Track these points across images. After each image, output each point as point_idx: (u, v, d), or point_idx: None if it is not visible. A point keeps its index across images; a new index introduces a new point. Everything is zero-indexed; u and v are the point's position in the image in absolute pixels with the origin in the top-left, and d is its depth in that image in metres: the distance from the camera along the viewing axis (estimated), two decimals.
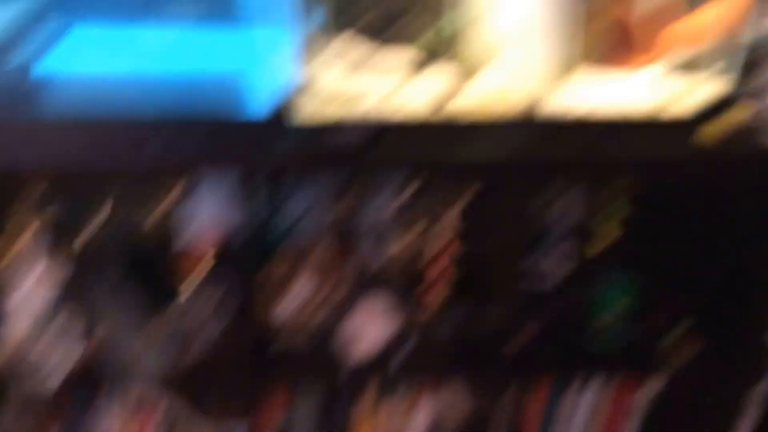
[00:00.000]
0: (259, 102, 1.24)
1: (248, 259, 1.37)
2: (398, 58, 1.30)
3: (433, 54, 1.30)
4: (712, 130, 1.27)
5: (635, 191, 1.44)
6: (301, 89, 1.23)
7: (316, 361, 1.44)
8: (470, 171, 1.29)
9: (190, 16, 1.34)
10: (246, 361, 1.43)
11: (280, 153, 1.22)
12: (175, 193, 1.33)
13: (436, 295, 1.45)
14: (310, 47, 1.27)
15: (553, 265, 1.45)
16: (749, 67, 1.33)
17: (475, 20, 1.31)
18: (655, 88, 1.30)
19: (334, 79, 1.28)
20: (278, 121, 1.23)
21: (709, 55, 1.30)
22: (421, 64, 1.31)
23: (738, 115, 1.27)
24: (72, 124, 1.19)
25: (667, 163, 1.30)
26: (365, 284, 1.43)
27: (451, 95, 1.28)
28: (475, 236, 1.42)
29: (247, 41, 1.33)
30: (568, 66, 1.26)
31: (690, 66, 1.31)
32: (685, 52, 1.31)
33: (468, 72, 1.29)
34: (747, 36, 1.27)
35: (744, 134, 1.30)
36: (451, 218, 1.44)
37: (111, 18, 1.33)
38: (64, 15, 1.31)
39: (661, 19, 1.32)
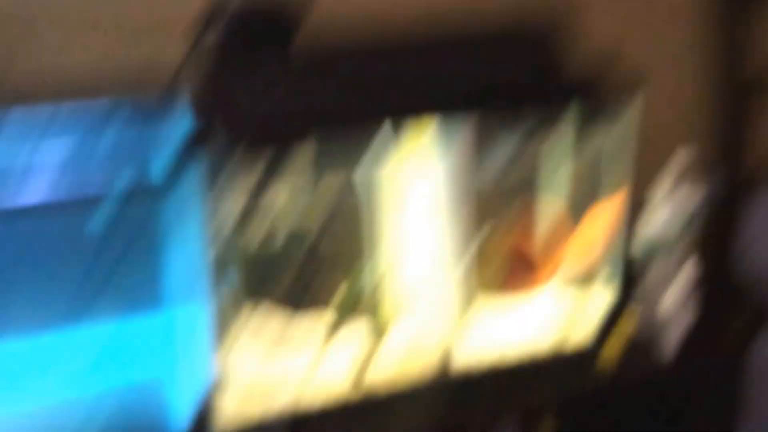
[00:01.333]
0: (180, 410, 1.24)
1: None
2: (312, 326, 1.31)
3: (346, 315, 1.34)
4: (610, 352, 1.34)
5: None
6: (220, 387, 1.23)
7: None
8: None
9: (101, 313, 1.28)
10: None
11: None
12: None
13: None
14: (225, 332, 1.25)
15: None
16: (633, 277, 1.46)
17: (383, 276, 1.38)
18: (553, 308, 1.39)
19: (251, 368, 1.29)
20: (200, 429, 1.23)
21: (596, 269, 1.41)
22: (336, 327, 1.34)
23: (629, 327, 1.37)
24: None
25: (576, 396, 1.37)
26: None
27: (367, 362, 1.32)
28: None
29: (164, 337, 1.31)
30: (470, 300, 1.32)
31: (580, 282, 1.42)
32: (575, 269, 1.41)
33: (381, 330, 1.33)
34: (624, 246, 1.37)
35: (638, 352, 1.41)
36: None
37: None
38: None
39: (552, 240, 1.42)
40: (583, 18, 1.48)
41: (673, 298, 1.39)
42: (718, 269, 1.75)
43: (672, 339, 1.41)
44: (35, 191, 1.19)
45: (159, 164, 1.26)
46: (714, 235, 1.77)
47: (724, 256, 1.75)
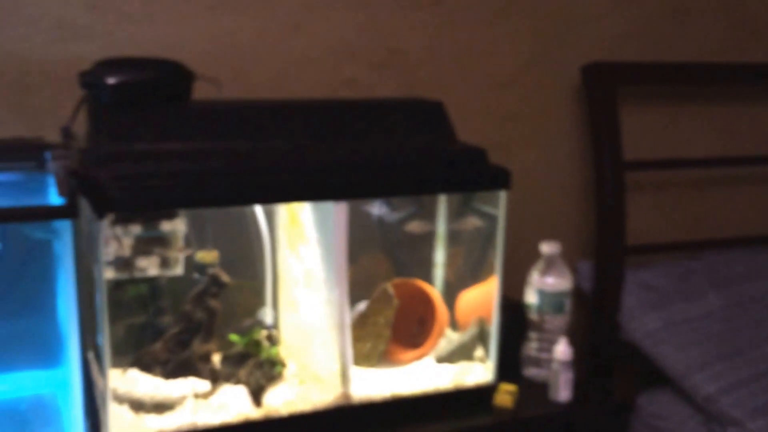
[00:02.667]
0: (72, 423, 1.24)
1: None
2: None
3: (243, 356, 1.37)
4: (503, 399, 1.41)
5: None
6: (111, 403, 1.21)
7: None
8: None
9: None
10: None
11: None
12: None
13: None
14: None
15: None
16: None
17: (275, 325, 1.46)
18: (430, 378, 1.42)
19: (145, 389, 1.28)
20: None
21: (468, 344, 1.47)
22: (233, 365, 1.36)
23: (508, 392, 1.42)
24: None
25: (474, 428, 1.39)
26: None
27: (264, 387, 1.34)
28: None
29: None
30: (348, 365, 1.34)
31: (454, 356, 1.46)
32: (448, 345, 1.47)
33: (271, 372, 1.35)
34: (499, 326, 1.42)
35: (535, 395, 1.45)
36: None
37: None
38: None
39: (429, 318, 1.48)
40: (462, 111, 1.54)
41: (562, 354, 1.42)
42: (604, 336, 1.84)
43: (565, 386, 1.43)
44: None
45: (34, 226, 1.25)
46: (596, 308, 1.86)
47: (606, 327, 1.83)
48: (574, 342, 1.47)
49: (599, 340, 1.86)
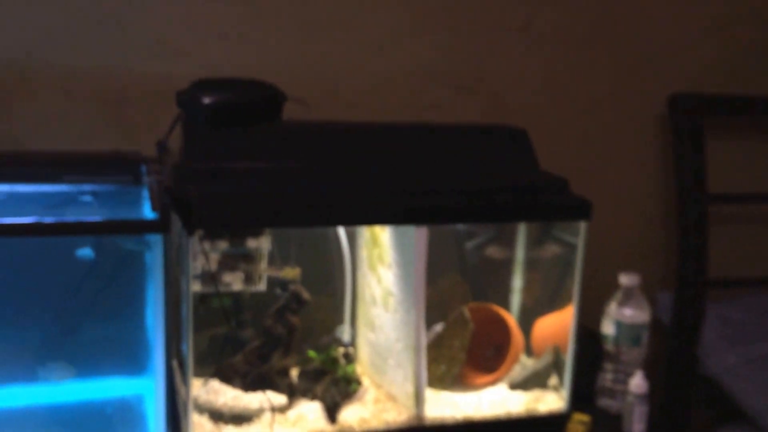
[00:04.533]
0: (155, 429, 1.28)
1: None
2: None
3: (320, 372, 1.40)
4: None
5: None
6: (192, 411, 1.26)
7: None
8: None
9: None
10: None
11: None
12: None
13: None
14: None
15: None
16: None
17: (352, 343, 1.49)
18: (502, 404, 1.42)
19: (225, 399, 1.33)
20: None
21: (543, 372, 1.46)
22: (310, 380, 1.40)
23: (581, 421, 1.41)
24: None
25: None
26: None
27: (340, 404, 1.36)
28: None
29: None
30: (423, 387, 1.35)
31: (527, 383, 1.46)
32: (522, 371, 1.47)
33: (346, 389, 1.39)
34: (574, 356, 1.41)
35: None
36: None
37: None
38: None
39: (505, 344, 1.48)
40: (544, 136, 1.54)
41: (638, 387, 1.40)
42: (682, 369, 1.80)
43: (640, 419, 1.41)
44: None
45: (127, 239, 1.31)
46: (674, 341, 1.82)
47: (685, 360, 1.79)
48: (650, 375, 1.45)
49: (677, 373, 1.82)
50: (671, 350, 1.83)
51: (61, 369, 1.38)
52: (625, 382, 1.45)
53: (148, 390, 1.36)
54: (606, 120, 1.86)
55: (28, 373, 1.37)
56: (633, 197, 1.91)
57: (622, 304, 1.48)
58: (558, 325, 1.46)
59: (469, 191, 1.33)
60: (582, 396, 1.46)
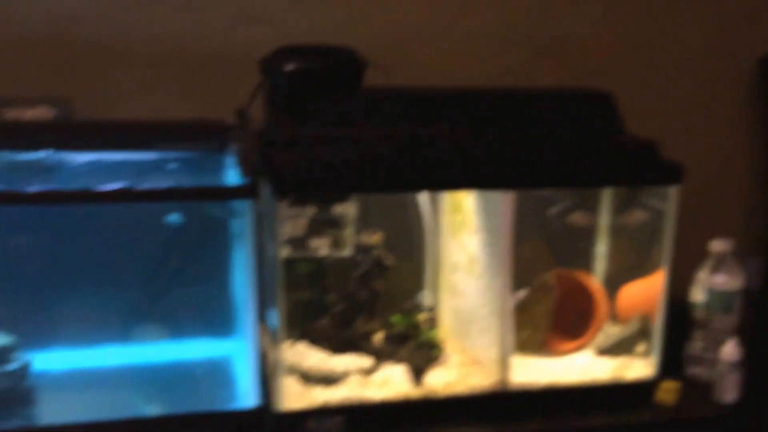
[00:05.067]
0: (245, 388, 1.31)
1: None
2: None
3: (404, 336, 1.40)
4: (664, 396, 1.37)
5: None
6: (284, 372, 1.28)
7: None
8: None
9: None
10: None
11: None
12: None
13: None
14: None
15: None
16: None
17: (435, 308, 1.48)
18: (587, 370, 1.40)
19: (313, 361, 1.35)
20: (264, 408, 1.28)
21: (630, 339, 1.43)
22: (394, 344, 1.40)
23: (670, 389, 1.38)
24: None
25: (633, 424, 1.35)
26: None
27: (425, 367, 1.37)
28: None
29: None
30: (508, 352, 1.34)
31: (614, 349, 1.43)
32: (607, 338, 1.44)
33: (430, 353, 1.39)
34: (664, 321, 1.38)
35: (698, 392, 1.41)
36: None
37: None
38: None
39: (591, 310, 1.46)
40: (630, 100, 1.51)
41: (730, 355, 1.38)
42: None
43: (732, 387, 1.39)
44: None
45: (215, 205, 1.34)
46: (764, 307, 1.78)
47: None
48: (743, 342, 1.41)
49: (765, 339, 1.78)
50: (760, 317, 1.78)
51: (154, 330, 1.43)
52: (715, 350, 1.42)
53: (236, 352, 1.40)
54: (695, 82, 1.80)
55: (123, 334, 1.42)
56: (724, 161, 1.85)
57: (714, 270, 1.45)
58: (645, 292, 1.43)
59: (554, 156, 1.31)
60: (670, 364, 1.43)
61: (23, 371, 1.30)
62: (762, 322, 1.78)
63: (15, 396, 1.29)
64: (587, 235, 1.53)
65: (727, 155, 1.85)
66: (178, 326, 1.45)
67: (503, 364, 1.34)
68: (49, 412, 1.28)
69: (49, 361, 1.38)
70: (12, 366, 1.29)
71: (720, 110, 1.83)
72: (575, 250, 1.54)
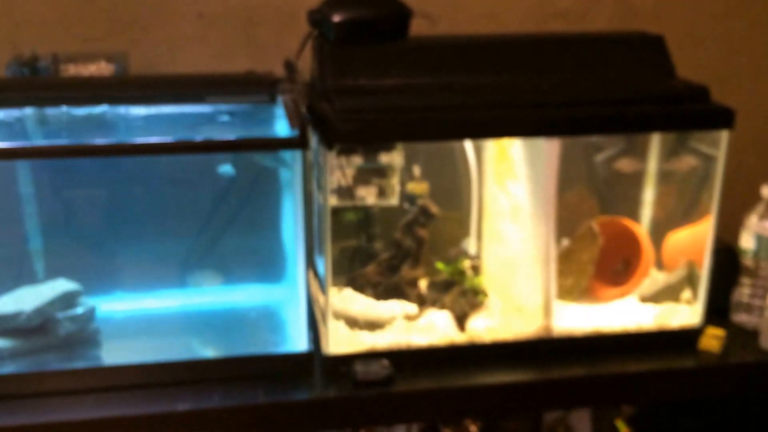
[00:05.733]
0: (295, 333, 1.35)
1: None
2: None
3: (448, 283, 1.43)
4: (708, 344, 1.37)
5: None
6: (330, 317, 1.32)
7: None
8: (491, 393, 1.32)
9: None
10: None
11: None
12: None
13: None
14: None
15: None
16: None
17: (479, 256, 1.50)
18: (631, 317, 1.41)
19: (359, 306, 1.39)
20: (314, 351, 1.32)
21: (675, 286, 1.42)
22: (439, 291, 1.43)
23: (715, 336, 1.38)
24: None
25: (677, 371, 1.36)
26: None
27: (468, 313, 1.39)
28: None
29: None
30: (551, 299, 1.36)
31: (659, 296, 1.43)
32: (653, 285, 1.44)
33: (474, 300, 1.41)
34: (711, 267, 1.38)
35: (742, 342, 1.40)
36: None
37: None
38: None
39: (637, 256, 1.46)
40: (682, 42, 1.48)
41: None
42: None
43: None
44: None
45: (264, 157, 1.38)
46: None
47: None
48: None
49: None
50: None
51: (209, 276, 1.49)
52: (763, 297, 1.42)
53: (286, 297, 1.45)
54: (749, 22, 1.75)
55: (180, 280, 1.49)
56: None
57: (764, 216, 1.43)
58: (692, 239, 1.43)
59: (602, 102, 1.30)
60: (716, 311, 1.44)
61: (89, 315, 1.38)
62: None
63: (82, 338, 1.37)
64: (635, 182, 1.53)
65: None
66: (231, 273, 1.51)
67: (546, 311, 1.36)
68: (113, 353, 1.36)
69: (112, 306, 1.45)
70: (79, 310, 1.37)
71: None
72: (622, 196, 1.54)
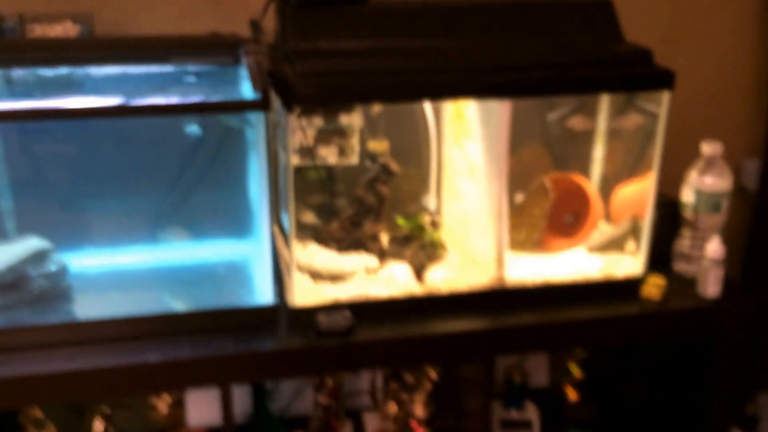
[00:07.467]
0: (261, 286, 1.40)
1: None
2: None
3: (408, 238, 1.50)
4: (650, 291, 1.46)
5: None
6: (295, 271, 1.37)
7: None
8: (448, 341, 1.39)
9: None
10: None
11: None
12: None
13: None
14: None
15: None
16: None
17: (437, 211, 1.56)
18: (580, 267, 1.49)
19: (322, 261, 1.45)
20: (279, 304, 1.38)
21: (620, 238, 1.50)
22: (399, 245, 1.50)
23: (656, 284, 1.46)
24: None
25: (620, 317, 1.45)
26: None
27: (425, 266, 1.47)
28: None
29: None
30: (503, 251, 1.43)
31: (605, 248, 1.52)
32: (600, 237, 1.52)
33: (433, 253, 1.49)
34: (653, 218, 1.46)
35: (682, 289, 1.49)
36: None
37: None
38: None
39: (584, 210, 1.54)
40: (629, 4, 1.53)
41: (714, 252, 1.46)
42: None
43: (715, 282, 1.48)
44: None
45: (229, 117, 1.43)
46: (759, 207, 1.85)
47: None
48: (726, 241, 1.49)
49: (759, 238, 1.85)
50: (756, 216, 1.85)
51: (178, 233, 1.54)
52: (701, 248, 1.51)
53: (253, 253, 1.51)
54: None
55: (150, 237, 1.54)
56: (721, 65, 1.88)
57: (703, 172, 1.51)
58: (637, 193, 1.50)
59: (551, 64, 1.36)
60: (659, 261, 1.52)
61: (62, 272, 1.43)
62: (757, 221, 1.85)
63: (55, 294, 1.42)
64: (586, 139, 1.60)
65: (726, 58, 1.88)
66: (200, 229, 1.56)
67: (499, 263, 1.44)
68: (85, 308, 1.41)
69: (83, 261, 1.51)
70: (51, 267, 1.42)
71: (720, 12, 1.84)
72: (574, 153, 1.61)
